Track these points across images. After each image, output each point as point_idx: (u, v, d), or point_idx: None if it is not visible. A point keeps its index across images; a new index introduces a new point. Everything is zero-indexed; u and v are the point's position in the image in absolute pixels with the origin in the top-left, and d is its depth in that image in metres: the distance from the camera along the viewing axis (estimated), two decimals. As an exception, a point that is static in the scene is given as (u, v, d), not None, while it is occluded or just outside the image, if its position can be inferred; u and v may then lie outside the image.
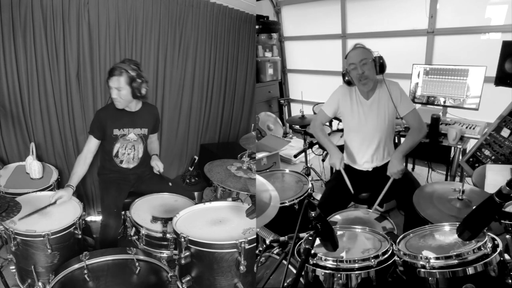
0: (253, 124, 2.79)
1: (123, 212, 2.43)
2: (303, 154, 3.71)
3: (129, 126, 2.32)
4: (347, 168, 2.30)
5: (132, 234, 2.08)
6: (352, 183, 2.20)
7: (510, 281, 1.14)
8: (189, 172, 3.12)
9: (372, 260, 1.27)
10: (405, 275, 1.29)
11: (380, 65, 2.13)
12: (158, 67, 3.12)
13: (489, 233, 1.20)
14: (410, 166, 3.78)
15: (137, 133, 2.37)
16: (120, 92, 2.12)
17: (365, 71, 2.11)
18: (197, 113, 3.55)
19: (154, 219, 2.04)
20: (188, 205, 2.05)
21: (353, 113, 2.28)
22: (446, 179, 3.25)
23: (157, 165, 2.45)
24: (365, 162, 2.29)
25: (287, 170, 2.53)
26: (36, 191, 2.19)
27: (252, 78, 4.06)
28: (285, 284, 1.25)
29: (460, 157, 2.82)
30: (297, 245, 1.40)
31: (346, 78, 2.22)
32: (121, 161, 2.38)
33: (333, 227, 1.26)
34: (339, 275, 1.25)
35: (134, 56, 2.94)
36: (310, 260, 1.31)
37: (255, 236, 1.67)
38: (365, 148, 2.27)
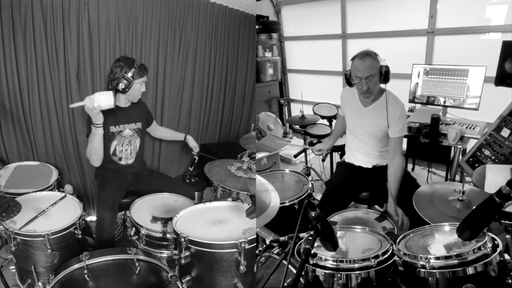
0: (253, 124, 2.79)
1: (122, 212, 2.43)
2: (303, 154, 3.72)
3: (124, 122, 2.35)
4: (348, 166, 2.37)
5: (132, 234, 2.08)
6: (353, 181, 2.26)
7: (510, 281, 1.14)
8: (189, 172, 3.11)
9: (372, 260, 1.27)
10: (405, 275, 1.28)
11: (385, 76, 2.06)
12: (158, 67, 3.12)
13: (489, 233, 1.20)
14: (410, 166, 3.78)
15: (132, 128, 2.40)
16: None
17: (370, 87, 2.06)
18: (197, 113, 3.54)
19: (154, 219, 2.04)
20: (188, 205, 2.05)
21: (352, 118, 2.33)
22: (446, 180, 3.26)
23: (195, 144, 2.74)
24: (362, 160, 2.33)
25: (287, 170, 2.53)
26: (36, 191, 2.19)
27: (252, 78, 4.06)
28: (285, 284, 1.25)
29: (460, 157, 2.82)
30: (297, 245, 1.40)
31: (348, 79, 2.16)
32: (120, 159, 2.40)
33: (333, 227, 1.26)
34: (339, 275, 1.25)
35: (134, 56, 2.94)
36: (310, 260, 1.31)
37: (255, 236, 1.67)
38: (361, 151, 2.31)
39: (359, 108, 2.24)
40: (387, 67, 2.05)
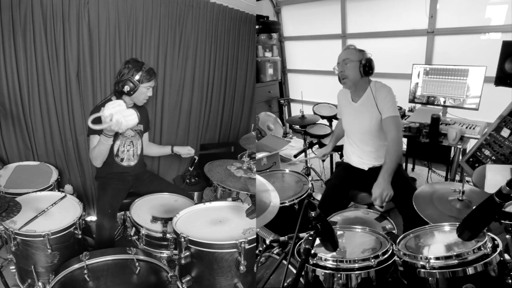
0: (253, 124, 2.79)
1: (122, 212, 2.42)
2: (303, 154, 3.72)
3: None
4: (347, 166, 2.38)
5: (132, 234, 2.08)
6: (351, 181, 2.27)
7: (510, 281, 1.14)
8: (189, 172, 3.11)
9: (372, 260, 1.27)
10: (405, 275, 1.29)
11: (363, 68, 2.11)
12: (158, 67, 3.12)
13: (489, 233, 1.20)
14: (410, 166, 3.78)
15: (134, 128, 2.39)
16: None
17: (344, 71, 2.15)
18: (197, 113, 3.54)
19: (154, 219, 2.04)
20: (188, 205, 2.05)
21: (345, 115, 2.37)
22: (446, 180, 3.26)
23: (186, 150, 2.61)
24: (358, 161, 2.32)
25: (287, 170, 2.53)
26: (36, 191, 2.19)
27: (252, 78, 4.05)
28: (285, 284, 1.25)
29: (460, 157, 2.82)
30: (297, 245, 1.40)
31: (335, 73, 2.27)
32: (122, 159, 2.39)
33: (333, 227, 1.26)
34: (339, 275, 1.25)
35: (134, 56, 2.94)
36: (310, 260, 1.31)
37: (255, 236, 1.67)
38: (355, 149, 2.32)
39: (351, 105, 2.29)
40: (368, 59, 2.12)
